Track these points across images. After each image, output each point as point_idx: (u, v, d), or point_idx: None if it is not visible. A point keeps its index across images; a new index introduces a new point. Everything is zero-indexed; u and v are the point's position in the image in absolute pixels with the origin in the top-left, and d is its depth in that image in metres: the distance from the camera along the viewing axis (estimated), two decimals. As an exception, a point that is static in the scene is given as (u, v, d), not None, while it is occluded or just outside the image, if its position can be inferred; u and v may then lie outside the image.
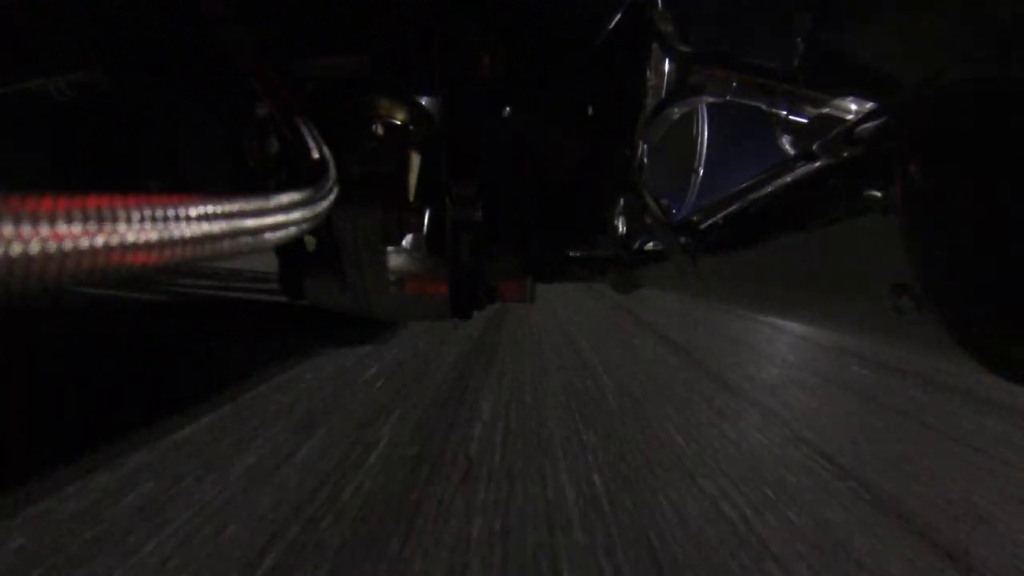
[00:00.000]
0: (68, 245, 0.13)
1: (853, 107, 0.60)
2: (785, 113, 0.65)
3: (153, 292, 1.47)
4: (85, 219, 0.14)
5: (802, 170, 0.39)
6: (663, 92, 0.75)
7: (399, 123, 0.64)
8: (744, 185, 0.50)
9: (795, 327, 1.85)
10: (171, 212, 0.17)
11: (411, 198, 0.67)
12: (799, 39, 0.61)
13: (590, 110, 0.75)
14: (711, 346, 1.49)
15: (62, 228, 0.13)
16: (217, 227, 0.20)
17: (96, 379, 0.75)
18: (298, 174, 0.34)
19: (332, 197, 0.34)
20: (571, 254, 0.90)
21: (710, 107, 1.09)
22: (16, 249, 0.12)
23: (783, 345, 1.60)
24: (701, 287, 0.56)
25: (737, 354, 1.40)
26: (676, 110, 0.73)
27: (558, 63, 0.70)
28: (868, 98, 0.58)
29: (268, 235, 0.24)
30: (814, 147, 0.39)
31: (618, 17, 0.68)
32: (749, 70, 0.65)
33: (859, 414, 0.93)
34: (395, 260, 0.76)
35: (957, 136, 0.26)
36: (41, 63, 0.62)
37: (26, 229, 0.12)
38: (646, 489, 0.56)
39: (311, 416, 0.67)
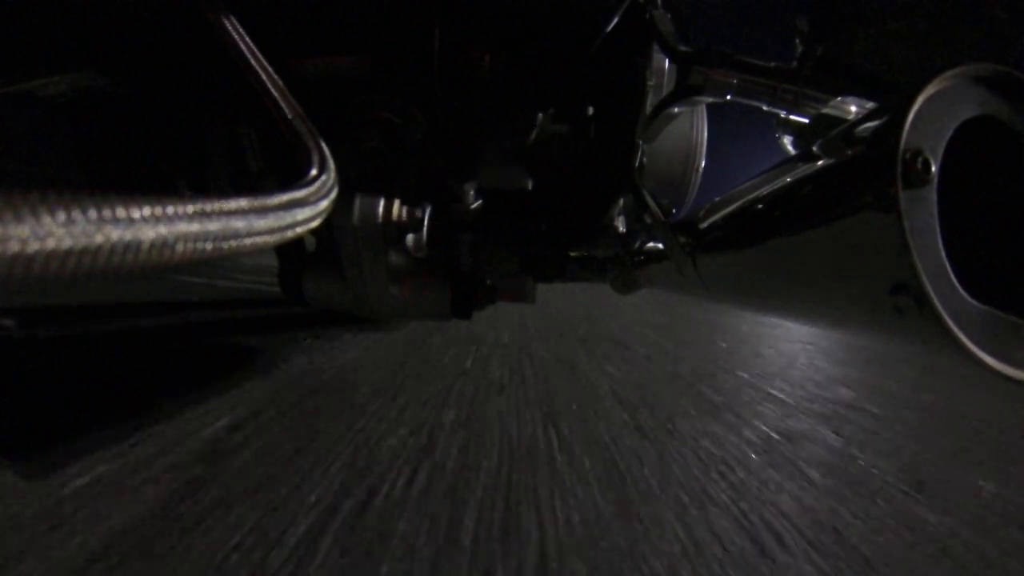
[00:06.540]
0: (66, 244, 0.13)
1: (853, 107, 0.60)
2: (785, 113, 0.64)
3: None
4: (83, 219, 0.14)
5: (802, 170, 0.39)
6: (663, 92, 0.75)
7: (399, 123, 0.63)
8: (744, 185, 0.50)
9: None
10: (170, 211, 0.17)
11: (411, 198, 0.67)
12: (797, 40, 0.60)
13: (590, 110, 0.75)
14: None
15: (59, 228, 0.13)
16: (216, 227, 0.20)
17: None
18: (298, 174, 0.34)
19: (332, 197, 0.34)
20: (571, 254, 0.90)
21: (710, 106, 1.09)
22: (14, 247, 0.12)
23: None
24: (701, 287, 0.56)
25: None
26: (676, 110, 0.73)
27: (558, 63, 0.70)
28: (868, 98, 0.58)
29: (268, 235, 0.24)
30: (814, 147, 0.39)
31: (618, 17, 0.68)
32: (749, 70, 0.65)
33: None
34: (395, 260, 0.76)
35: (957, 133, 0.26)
36: (40, 63, 0.62)
37: (24, 228, 0.12)
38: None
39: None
